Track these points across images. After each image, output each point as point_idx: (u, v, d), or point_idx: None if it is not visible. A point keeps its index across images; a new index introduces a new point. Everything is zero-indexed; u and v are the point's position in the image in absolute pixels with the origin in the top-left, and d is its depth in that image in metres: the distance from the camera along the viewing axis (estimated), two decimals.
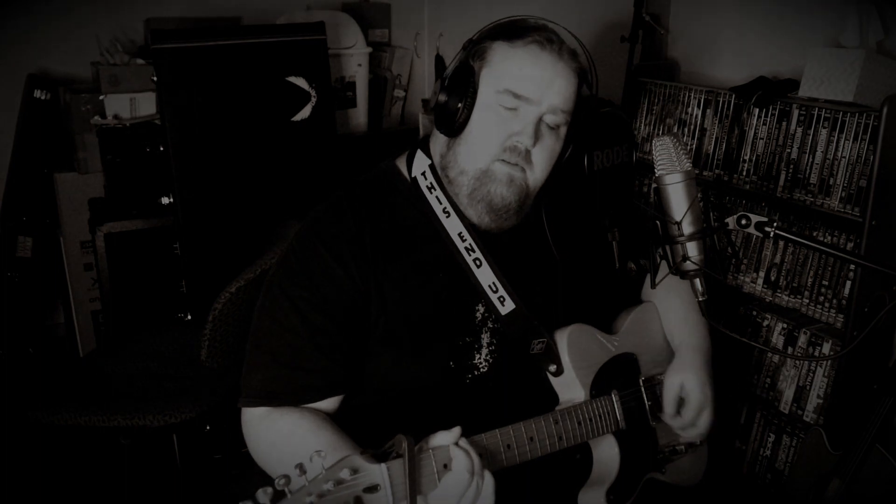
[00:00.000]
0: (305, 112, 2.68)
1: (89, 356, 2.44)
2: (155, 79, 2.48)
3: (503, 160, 1.25)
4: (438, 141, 1.32)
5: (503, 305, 1.32)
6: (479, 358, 1.35)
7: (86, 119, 2.79)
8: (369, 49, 3.18)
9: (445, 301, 1.32)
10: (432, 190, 1.31)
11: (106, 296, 2.80)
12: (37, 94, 2.82)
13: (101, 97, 2.76)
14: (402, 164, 1.37)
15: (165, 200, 2.75)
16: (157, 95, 2.67)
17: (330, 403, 1.28)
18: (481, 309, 1.34)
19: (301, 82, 2.66)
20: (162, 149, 2.72)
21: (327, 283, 1.25)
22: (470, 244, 1.30)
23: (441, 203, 1.31)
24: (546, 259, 1.40)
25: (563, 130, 1.29)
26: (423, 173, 1.32)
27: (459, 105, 1.25)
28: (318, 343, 1.25)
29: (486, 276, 1.31)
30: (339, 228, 1.28)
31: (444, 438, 1.07)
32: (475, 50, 1.28)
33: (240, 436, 1.30)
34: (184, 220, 2.54)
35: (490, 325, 1.35)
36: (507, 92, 1.23)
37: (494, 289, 1.32)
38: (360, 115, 3.20)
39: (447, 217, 1.30)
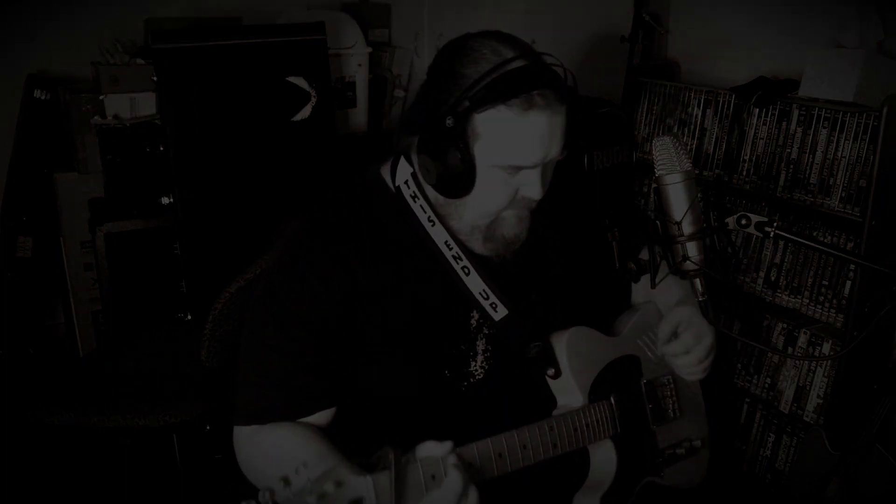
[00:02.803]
0: (305, 112, 2.68)
1: (89, 356, 2.44)
2: (155, 79, 2.48)
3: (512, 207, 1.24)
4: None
5: (496, 311, 1.31)
6: (475, 365, 1.34)
7: (86, 119, 2.79)
8: (369, 49, 3.18)
9: (438, 309, 1.30)
10: (416, 199, 1.28)
11: (106, 296, 2.80)
12: (37, 94, 2.81)
13: (101, 97, 2.76)
14: (385, 172, 1.34)
15: (165, 200, 2.74)
16: (157, 95, 2.67)
17: (322, 417, 1.27)
18: (476, 316, 1.33)
19: (301, 82, 2.66)
20: (162, 149, 2.72)
21: (312, 303, 1.24)
22: (457, 252, 1.28)
23: (425, 212, 1.28)
24: (541, 262, 1.40)
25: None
26: (406, 182, 1.29)
27: (458, 174, 1.19)
28: (305, 361, 1.24)
29: (475, 283, 1.29)
30: (322, 248, 1.26)
31: (434, 449, 1.06)
32: (458, 113, 1.16)
33: None
34: (184, 220, 2.54)
35: (485, 331, 1.34)
36: (510, 167, 1.19)
37: (485, 296, 1.30)
38: (360, 115, 3.20)
39: (432, 226, 1.28)
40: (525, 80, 1.15)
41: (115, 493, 2.33)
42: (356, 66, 3.14)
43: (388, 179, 1.33)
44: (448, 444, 1.07)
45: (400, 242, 1.29)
